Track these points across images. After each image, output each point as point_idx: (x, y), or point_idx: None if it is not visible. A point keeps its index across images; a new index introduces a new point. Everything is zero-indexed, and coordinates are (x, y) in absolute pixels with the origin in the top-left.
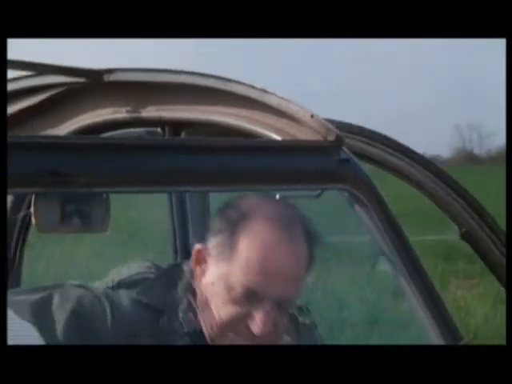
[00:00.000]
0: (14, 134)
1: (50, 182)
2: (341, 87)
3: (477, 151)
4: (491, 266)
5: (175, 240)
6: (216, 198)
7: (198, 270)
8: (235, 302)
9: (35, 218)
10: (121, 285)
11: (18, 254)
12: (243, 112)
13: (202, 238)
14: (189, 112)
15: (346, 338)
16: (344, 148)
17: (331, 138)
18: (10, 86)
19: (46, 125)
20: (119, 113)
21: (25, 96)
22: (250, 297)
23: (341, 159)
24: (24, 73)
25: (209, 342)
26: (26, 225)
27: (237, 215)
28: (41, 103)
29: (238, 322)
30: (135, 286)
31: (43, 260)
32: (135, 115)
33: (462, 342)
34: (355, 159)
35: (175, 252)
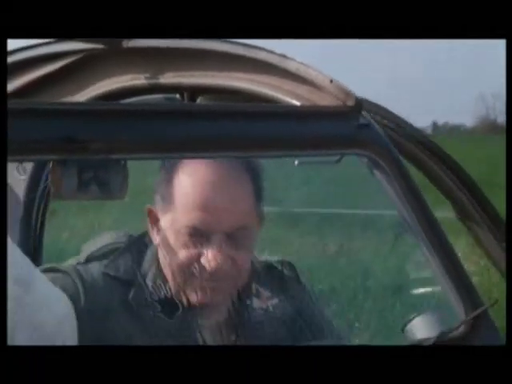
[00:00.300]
0: (32, 100)
1: (68, 148)
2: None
3: (500, 120)
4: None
5: None
6: None
7: (154, 231)
8: (186, 245)
9: (53, 185)
10: (91, 259)
11: (39, 224)
12: (262, 78)
13: None
14: (208, 78)
15: (369, 306)
16: (364, 113)
17: (350, 102)
18: (29, 53)
19: (65, 91)
20: (138, 79)
21: (43, 63)
22: (197, 235)
23: (360, 124)
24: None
25: (175, 300)
26: (46, 193)
27: (169, 166)
28: (59, 70)
29: (193, 263)
30: (104, 258)
31: (66, 230)
32: (154, 81)
33: (482, 309)
34: (375, 124)
35: None
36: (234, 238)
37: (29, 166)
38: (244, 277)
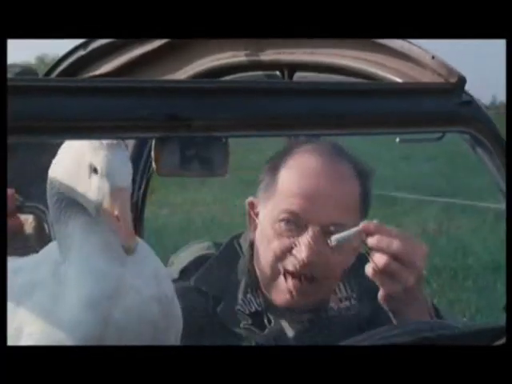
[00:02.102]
0: (135, 79)
1: (171, 126)
2: None
3: None
4: None
5: None
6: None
7: (253, 226)
8: (280, 234)
9: (155, 162)
10: (182, 274)
11: (140, 200)
12: (364, 55)
13: None
14: (308, 55)
15: (469, 285)
16: (466, 90)
17: (453, 79)
18: None
19: (165, 69)
20: (238, 56)
21: (144, 41)
22: (293, 224)
23: (463, 101)
24: None
25: (266, 313)
26: (148, 170)
27: (277, 158)
28: (160, 48)
29: (286, 253)
30: (196, 271)
31: (166, 207)
32: (254, 58)
33: None
34: (477, 101)
35: None
36: (327, 233)
37: (130, 145)
38: (331, 285)
